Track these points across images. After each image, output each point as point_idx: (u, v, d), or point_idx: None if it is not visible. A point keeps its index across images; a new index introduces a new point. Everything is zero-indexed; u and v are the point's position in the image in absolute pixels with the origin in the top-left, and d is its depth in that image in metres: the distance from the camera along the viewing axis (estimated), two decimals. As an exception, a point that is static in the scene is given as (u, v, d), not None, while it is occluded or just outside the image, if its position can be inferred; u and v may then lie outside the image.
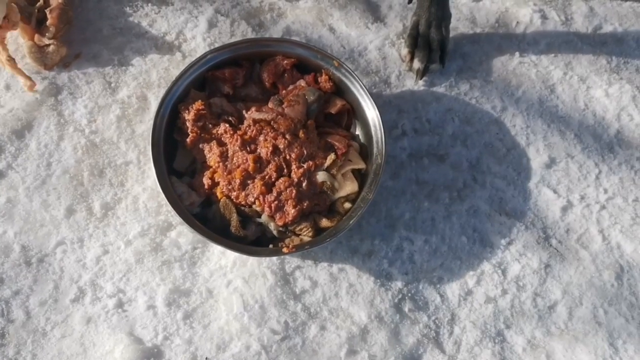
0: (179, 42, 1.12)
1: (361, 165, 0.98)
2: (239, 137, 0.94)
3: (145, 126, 1.04)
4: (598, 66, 1.15)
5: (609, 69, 1.15)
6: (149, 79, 1.08)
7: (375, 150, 0.97)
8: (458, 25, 1.16)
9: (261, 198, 0.92)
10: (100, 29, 1.12)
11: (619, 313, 0.97)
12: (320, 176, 0.94)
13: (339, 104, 1.01)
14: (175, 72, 1.06)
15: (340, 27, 1.15)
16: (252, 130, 0.95)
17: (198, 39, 1.12)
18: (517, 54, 1.15)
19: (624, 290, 0.99)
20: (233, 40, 1.11)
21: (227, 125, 0.96)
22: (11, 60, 1.02)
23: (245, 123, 0.96)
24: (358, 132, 1.02)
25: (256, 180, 0.92)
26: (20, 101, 1.05)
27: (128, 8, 1.14)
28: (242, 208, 0.93)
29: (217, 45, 1.11)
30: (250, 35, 1.13)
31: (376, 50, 1.13)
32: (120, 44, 1.11)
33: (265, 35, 1.14)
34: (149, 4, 1.15)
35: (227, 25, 1.14)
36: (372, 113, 0.98)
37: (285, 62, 1.01)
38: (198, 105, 0.96)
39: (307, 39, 1.13)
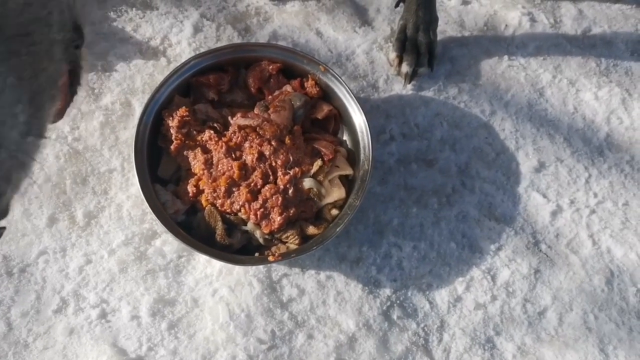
0: (163, 47, 1.10)
1: (348, 171, 0.96)
2: (223, 143, 0.93)
3: (129, 133, 1.03)
4: (587, 69, 1.14)
5: (598, 71, 1.14)
6: (133, 85, 1.07)
7: (362, 156, 0.96)
8: (446, 29, 1.15)
9: (247, 205, 0.90)
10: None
11: (609, 318, 0.96)
12: (307, 183, 0.92)
13: (325, 109, 0.99)
14: (160, 78, 1.05)
15: (327, 31, 1.14)
16: (238, 137, 0.94)
17: (183, 43, 1.10)
18: (505, 57, 1.14)
19: (614, 295, 0.98)
20: (219, 45, 1.09)
21: (212, 131, 0.94)
22: None
23: (231, 129, 0.95)
24: (345, 137, 1.01)
25: (241, 188, 0.91)
26: (2, 108, 1.03)
27: (112, 13, 1.12)
28: (228, 216, 0.92)
29: (202, 50, 1.09)
30: (237, 39, 1.12)
31: (364, 55, 1.12)
32: (104, 49, 1.09)
33: (252, 39, 1.12)
34: (133, 9, 1.13)
35: (212, 30, 1.12)
36: (359, 118, 0.97)
37: (271, 67, 1.00)
38: (182, 111, 0.94)
39: (294, 43, 1.12)
